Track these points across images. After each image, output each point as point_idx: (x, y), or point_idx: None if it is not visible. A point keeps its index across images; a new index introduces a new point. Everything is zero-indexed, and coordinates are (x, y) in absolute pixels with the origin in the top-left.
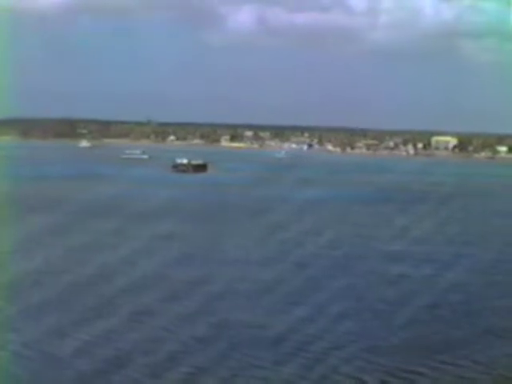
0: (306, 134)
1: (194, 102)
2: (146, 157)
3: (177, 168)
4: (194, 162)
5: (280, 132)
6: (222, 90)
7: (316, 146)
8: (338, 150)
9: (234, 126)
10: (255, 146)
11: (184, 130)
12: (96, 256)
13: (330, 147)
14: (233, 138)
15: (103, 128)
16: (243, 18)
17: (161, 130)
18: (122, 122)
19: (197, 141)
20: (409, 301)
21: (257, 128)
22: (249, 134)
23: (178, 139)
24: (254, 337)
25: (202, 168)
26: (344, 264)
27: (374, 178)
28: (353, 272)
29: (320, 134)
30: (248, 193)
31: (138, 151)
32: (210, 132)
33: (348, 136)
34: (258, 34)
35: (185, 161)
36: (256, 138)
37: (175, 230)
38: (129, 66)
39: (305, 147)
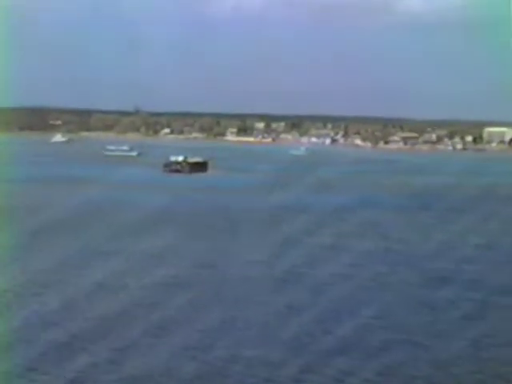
0: (330, 126)
1: (193, 88)
2: (134, 154)
3: (170, 167)
4: (192, 160)
5: (297, 123)
6: (226, 73)
7: (341, 140)
8: (369, 144)
9: (242, 117)
10: (267, 140)
11: (181, 121)
12: (68, 279)
13: (358, 141)
14: (240, 131)
15: (81, 119)
16: None
17: (152, 122)
18: (105, 112)
19: (196, 134)
20: (454, 332)
21: (269, 118)
22: (260, 125)
23: (173, 132)
24: (266, 377)
25: (200, 167)
26: (373, 286)
27: (412, 180)
28: (384, 296)
29: (346, 125)
30: (257, 199)
31: (124, 147)
32: (212, 124)
33: (380, 128)
34: (270, 5)
35: (180, 158)
36: (268, 130)
37: (165, 247)
38: (113, 46)
39: (328, 141)
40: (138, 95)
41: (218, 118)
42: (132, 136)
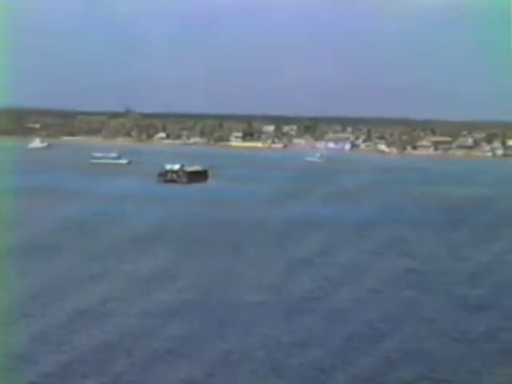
0: (349, 129)
1: (192, 86)
2: (124, 161)
3: (165, 177)
4: (190, 169)
5: (312, 126)
6: (231, 68)
7: (363, 145)
8: (394, 150)
9: (248, 118)
10: (278, 145)
11: (178, 123)
12: (46, 306)
13: (382, 146)
14: (246, 135)
15: (64, 121)
16: None
17: (145, 124)
18: (91, 114)
19: (196, 139)
20: (491, 368)
21: (280, 121)
22: (269, 128)
23: (169, 137)
24: None
25: (200, 176)
26: (397, 315)
27: (444, 191)
28: (409, 326)
29: (368, 128)
30: (265, 213)
31: (112, 154)
32: (214, 127)
33: (408, 131)
34: None
35: (177, 167)
36: (279, 134)
37: (158, 269)
38: (103, 41)
39: (347, 146)
40: (129, 94)
41: (220, 120)
42: (122, 141)
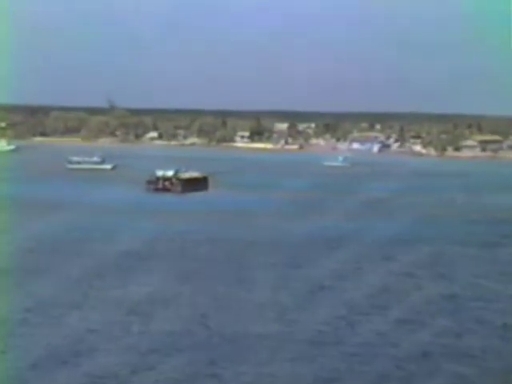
0: (378, 127)
1: (189, 77)
2: (107, 166)
3: (155, 185)
4: (186, 175)
5: (334, 124)
6: (235, 57)
7: (395, 146)
8: (432, 151)
9: (256, 115)
10: (292, 147)
11: (172, 121)
12: (16, 342)
13: (417, 147)
14: (254, 135)
15: (35, 119)
16: None
17: (133, 122)
18: (67, 109)
19: (194, 139)
20: None
21: (294, 118)
22: (281, 127)
23: (161, 137)
24: None
25: (198, 184)
26: (436, 351)
27: (492, 200)
28: (453, 367)
29: (401, 125)
30: (277, 229)
31: (94, 158)
32: (215, 125)
33: (449, 128)
34: None
35: (170, 173)
36: (293, 133)
37: (147, 295)
38: (83, 23)
39: (376, 148)
40: (115, 87)
41: (223, 116)
42: (105, 142)
